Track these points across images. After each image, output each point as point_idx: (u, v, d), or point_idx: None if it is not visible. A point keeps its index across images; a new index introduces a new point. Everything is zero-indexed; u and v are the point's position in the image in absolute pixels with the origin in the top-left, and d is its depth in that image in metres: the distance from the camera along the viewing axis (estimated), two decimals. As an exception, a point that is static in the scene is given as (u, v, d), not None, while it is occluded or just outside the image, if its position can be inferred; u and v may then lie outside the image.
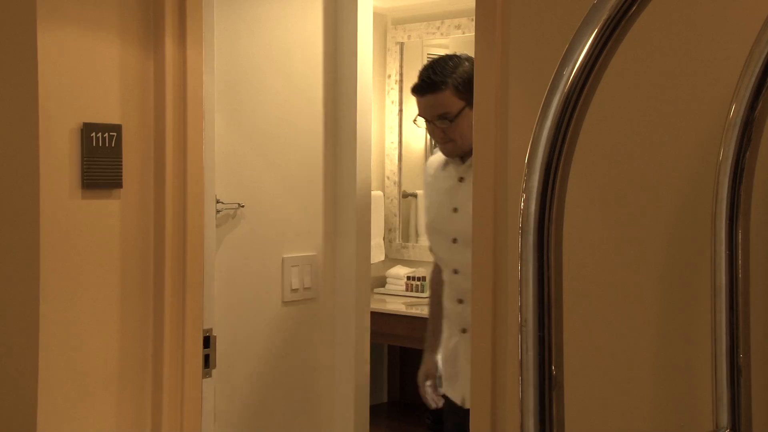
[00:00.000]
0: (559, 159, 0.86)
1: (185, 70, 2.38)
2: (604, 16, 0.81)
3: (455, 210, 2.57)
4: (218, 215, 2.68)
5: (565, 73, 0.84)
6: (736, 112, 1.03)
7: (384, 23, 4.92)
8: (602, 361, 1.44)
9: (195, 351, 2.45)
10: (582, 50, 0.83)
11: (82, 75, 2.18)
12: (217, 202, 2.67)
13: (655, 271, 1.39)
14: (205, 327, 2.49)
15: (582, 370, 1.43)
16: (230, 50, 2.71)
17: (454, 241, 2.57)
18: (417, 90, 2.57)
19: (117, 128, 2.26)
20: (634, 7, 0.78)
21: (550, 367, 0.86)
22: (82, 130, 2.16)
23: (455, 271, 2.58)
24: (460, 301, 2.58)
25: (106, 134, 2.22)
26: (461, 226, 2.50)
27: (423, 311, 4.27)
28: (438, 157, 2.71)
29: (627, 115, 1.43)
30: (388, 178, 5.01)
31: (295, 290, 2.91)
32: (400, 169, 4.97)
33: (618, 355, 1.43)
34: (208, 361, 2.53)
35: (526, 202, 0.86)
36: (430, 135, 2.62)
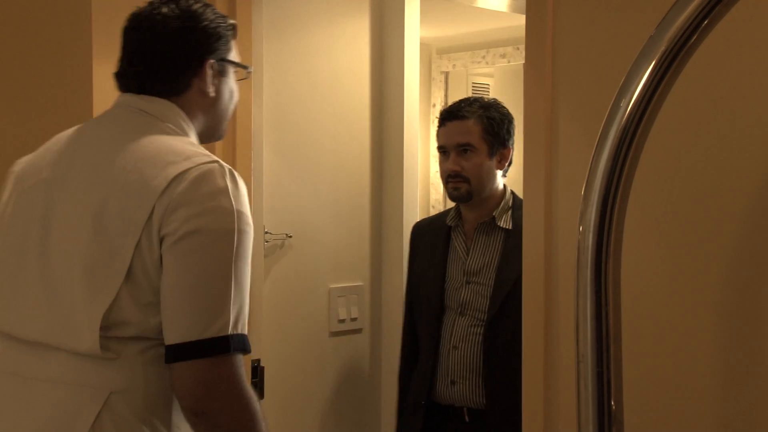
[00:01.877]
0: (616, 192, 0.85)
1: (235, 103, 2.41)
2: (662, 48, 0.80)
3: None
4: (266, 245, 2.70)
5: (623, 104, 0.83)
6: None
7: (429, 52, 4.93)
8: (662, 397, 1.41)
9: (243, 381, 2.45)
10: (639, 82, 0.82)
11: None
12: (265, 232, 2.68)
13: (717, 304, 1.37)
14: (254, 357, 2.50)
15: (642, 406, 1.40)
16: (278, 81, 2.74)
17: None
18: None
19: (168, 160, 2.29)
20: (695, 37, 0.77)
21: (609, 403, 0.85)
22: (134, 162, 2.20)
23: None
24: None
25: (158, 166, 2.25)
26: None
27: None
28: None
29: (685, 144, 1.41)
30: (433, 207, 5.00)
31: (342, 321, 2.91)
32: (445, 198, 4.96)
33: (679, 390, 1.40)
34: (256, 392, 2.54)
35: (583, 236, 0.85)
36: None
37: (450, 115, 2.42)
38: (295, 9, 2.80)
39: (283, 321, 2.78)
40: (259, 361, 2.54)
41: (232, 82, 1.62)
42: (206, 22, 1.54)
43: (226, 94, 1.60)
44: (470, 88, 5.01)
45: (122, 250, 1.38)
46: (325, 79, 2.88)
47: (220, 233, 1.38)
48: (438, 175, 5.02)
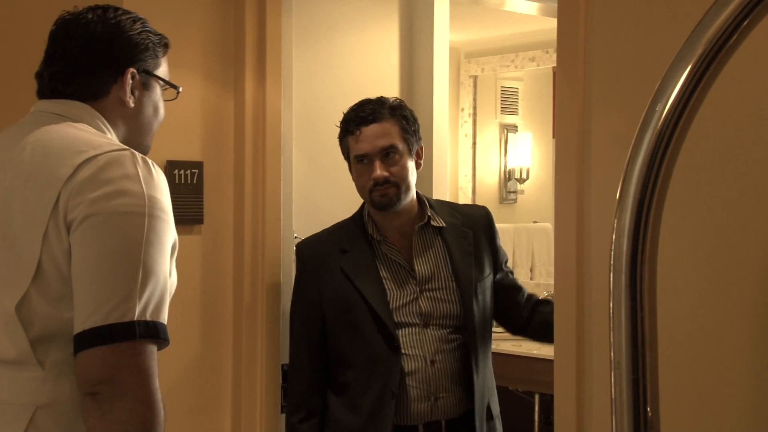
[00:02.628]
0: (651, 197, 0.84)
1: (264, 108, 2.42)
2: (700, 50, 0.79)
3: None
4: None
5: (658, 109, 0.82)
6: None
7: (457, 57, 4.93)
8: (699, 404, 1.39)
9: (273, 385, 2.46)
10: (675, 86, 0.81)
11: (167, 113, 2.23)
12: (295, 237, 2.69)
13: (753, 310, 1.35)
14: (283, 361, 2.50)
15: (678, 413, 1.38)
16: (307, 87, 2.75)
17: None
18: None
19: (198, 165, 2.31)
20: (734, 38, 0.75)
21: (645, 411, 0.84)
22: (165, 167, 2.21)
23: None
24: None
25: (188, 171, 2.27)
26: None
27: (498, 347, 4.22)
28: None
29: (720, 148, 1.39)
30: (462, 211, 4.98)
31: (371, 325, 2.90)
32: (473, 202, 4.95)
33: (715, 397, 1.38)
34: (286, 395, 2.54)
35: (618, 241, 0.84)
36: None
37: (364, 120, 2.21)
38: (324, 15, 2.81)
39: (312, 326, 2.78)
40: (287, 365, 2.54)
41: (156, 98, 1.58)
42: (132, 32, 1.51)
43: (148, 108, 1.57)
44: (499, 92, 5.00)
45: (29, 243, 1.34)
46: (355, 84, 2.88)
47: (126, 216, 1.33)
48: (468, 179, 5.02)
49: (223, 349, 2.40)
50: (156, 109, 1.59)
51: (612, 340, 0.84)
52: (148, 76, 1.54)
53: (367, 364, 2.19)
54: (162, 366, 2.26)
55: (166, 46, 1.59)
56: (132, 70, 1.51)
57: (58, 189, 1.34)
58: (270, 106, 2.43)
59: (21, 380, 1.36)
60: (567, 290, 1.66)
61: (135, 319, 1.32)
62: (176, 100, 2.35)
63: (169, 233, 1.40)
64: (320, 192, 2.80)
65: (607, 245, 0.84)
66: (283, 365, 2.49)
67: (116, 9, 1.53)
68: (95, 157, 1.36)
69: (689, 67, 0.79)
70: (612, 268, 0.84)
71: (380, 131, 2.21)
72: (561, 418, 1.69)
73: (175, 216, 2.23)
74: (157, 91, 1.58)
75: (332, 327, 2.24)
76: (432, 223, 2.27)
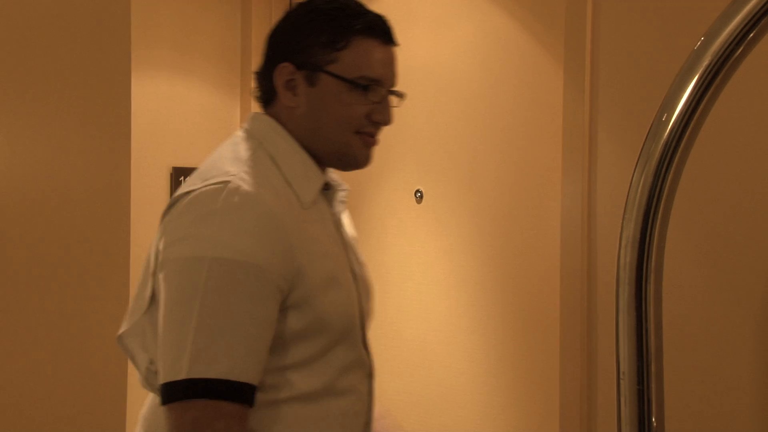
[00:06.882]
0: (657, 207, 0.84)
1: (270, 115, 2.42)
2: (706, 61, 0.79)
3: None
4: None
5: (665, 119, 0.82)
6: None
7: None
8: (704, 413, 1.39)
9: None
10: (682, 96, 0.81)
11: (173, 120, 2.23)
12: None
13: (757, 319, 1.34)
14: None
15: (683, 423, 1.38)
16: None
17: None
18: (388, 33, 1.34)
19: (204, 172, 2.31)
20: (740, 50, 0.75)
21: (650, 421, 0.84)
22: (171, 174, 2.22)
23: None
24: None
25: (194, 178, 2.27)
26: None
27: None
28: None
29: (724, 158, 1.39)
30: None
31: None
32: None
33: (721, 406, 1.38)
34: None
35: (623, 252, 0.85)
36: (357, 121, 1.31)
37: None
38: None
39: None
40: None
41: (329, 95, 1.29)
42: (300, 21, 1.27)
43: (315, 109, 1.30)
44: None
45: (146, 279, 1.28)
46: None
47: (186, 262, 1.17)
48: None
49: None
50: (325, 108, 1.29)
51: (618, 350, 0.84)
52: (311, 71, 1.29)
53: None
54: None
55: (357, 31, 1.27)
56: (284, 64, 1.30)
57: (160, 230, 1.26)
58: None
59: (150, 399, 1.36)
60: (573, 300, 1.66)
61: (183, 377, 1.15)
62: (181, 106, 2.36)
63: (238, 278, 1.17)
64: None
65: (614, 255, 0.84)
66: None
67: None
68: (188, 193, 1.23)
69: (696, 77, 0.79)
70: (618, 278, 0.84)
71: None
72: (567, 429, 1.68)
73: (180, 223, 2.24)
74: (332, 86, 1.29)
75: None
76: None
